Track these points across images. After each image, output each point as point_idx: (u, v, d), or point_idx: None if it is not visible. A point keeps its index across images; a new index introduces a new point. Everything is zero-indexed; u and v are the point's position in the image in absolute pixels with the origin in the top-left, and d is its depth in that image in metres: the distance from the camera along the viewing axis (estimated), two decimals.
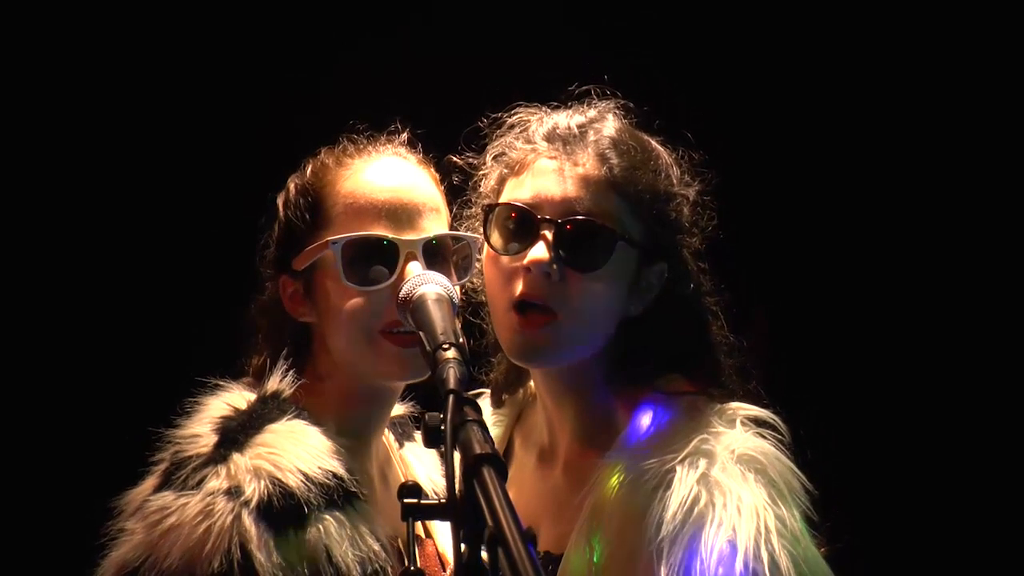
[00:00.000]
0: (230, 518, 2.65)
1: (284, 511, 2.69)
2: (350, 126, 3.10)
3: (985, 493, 4.70)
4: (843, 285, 4.82)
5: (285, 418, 2.83)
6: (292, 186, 3.06)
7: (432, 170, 3.09)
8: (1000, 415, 4.72)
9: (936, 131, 4.73)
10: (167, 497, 2.72)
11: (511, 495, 3.02)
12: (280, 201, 3.06)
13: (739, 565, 2.71)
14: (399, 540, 2.88)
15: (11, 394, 4.56)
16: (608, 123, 3.03)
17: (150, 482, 2.81)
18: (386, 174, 3.00)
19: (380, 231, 2.93)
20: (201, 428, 2.83)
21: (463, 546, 2.06)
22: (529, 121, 3.07)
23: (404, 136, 3.10)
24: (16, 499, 4.52)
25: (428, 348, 2.45)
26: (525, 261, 2.92)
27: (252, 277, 3.10)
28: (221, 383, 2.93)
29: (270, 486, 2.70)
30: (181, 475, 2.74)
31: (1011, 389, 4.71)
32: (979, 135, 4.72)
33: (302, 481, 2.72)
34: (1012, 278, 4.72)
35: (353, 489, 2.78)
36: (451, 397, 2.22)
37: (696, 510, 2.76)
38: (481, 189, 3.11)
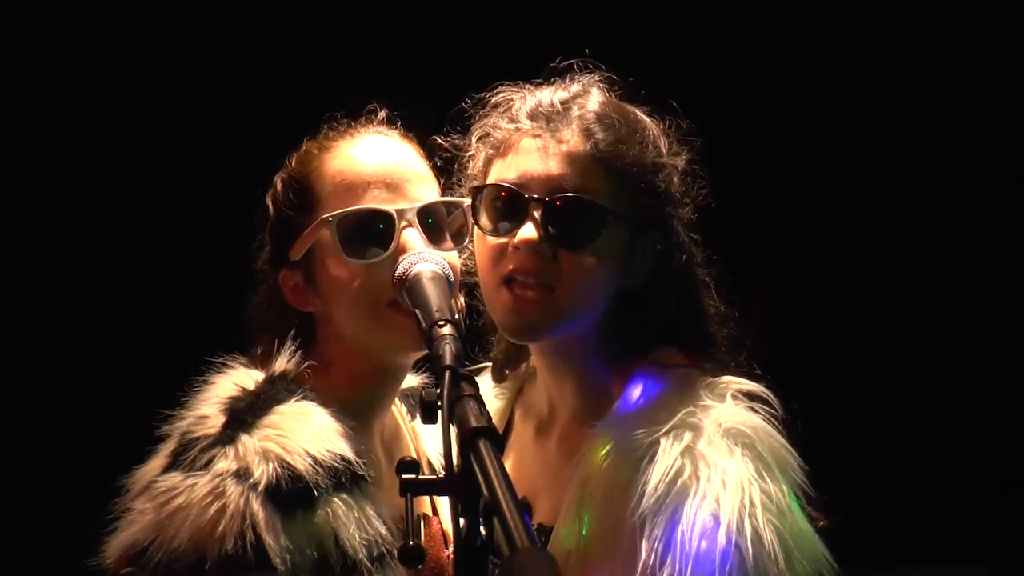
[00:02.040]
0: (241, 500, 2.65)
1: (292, 494, 2.70)
2: (328, 116, 3.11)
3: (983, 467, 4.73)
4: (839, 262, 4.84)
5: (293, 399, 2.82)
6: (279, 180, 3.07)
7: (416, 145, 3.10)
8: (998, 391, 4.75)
9: (935, 108, 4.74)
10: (175, 478, 2.72)
11: (511, 467, 3.14)
12: (269, 198, 3.07)
13: (722, 538, 2.69)
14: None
15: (18, 375, 4.61)
16: (592, 97, 3.02)
17: (157, 462, 2.81)
18: (372, 149, 3.02)
19: (373, 203, 2.95)
20: (209, 408, 2.83)
21: (462, 520, 2.08)
22: (512, 99, 3.06)
23: (383, 115, 3.12)
24: (23, 479, 4.57)
25: (424, 325, 2.47)
26: (515, 241, 2.92)
27: (255, 260, 3.11)
28: (228, 361, 2.94)
29: (278, 469, 2.70)
30: (189, 456, 2.75)
31: (1007, 364, 4.73)
32: (980, 109, 4.74)
33: (311, 464, 2.72)
34: (1004, 256, 4.74)
35: (361, 472, 2.78)
36: (447, 373, 2.24)
37: (679, 482, 2.75)
38: (468, 171, 3.10)
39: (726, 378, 2.97)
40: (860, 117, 4.81)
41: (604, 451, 2.86)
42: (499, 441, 2.08)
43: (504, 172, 2.99)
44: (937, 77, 4.76)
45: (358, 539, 2.72)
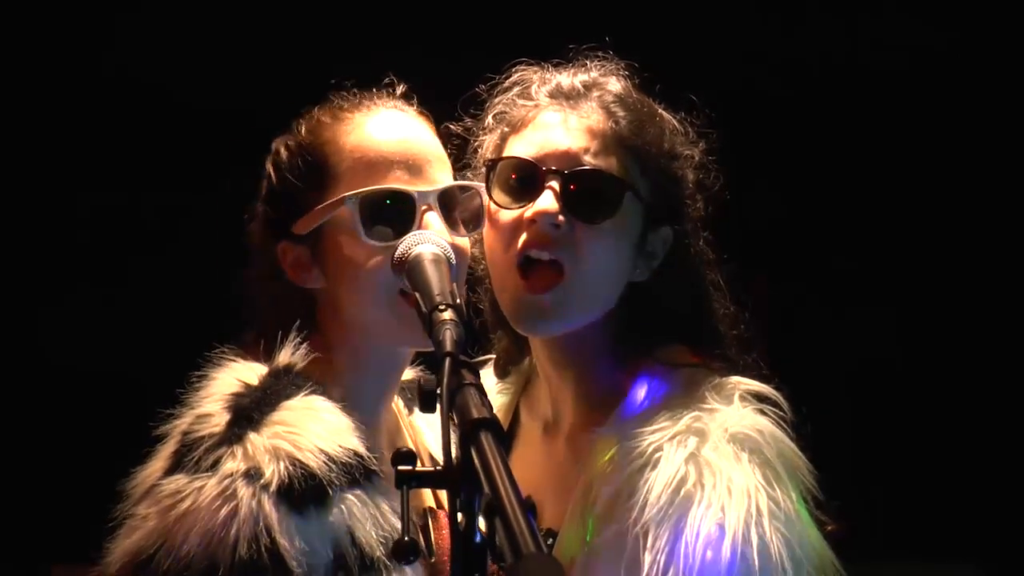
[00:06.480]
0: (253, 502, 2.52)
1: (305, 493, 2.56)
2: (336, 83, 2.96)
3: (975, 465, 4.69)
4: (840, 263, 4.80)
5: (301, 394, 2.68)
6: (283, 148, 2.91)
7: (431, 123, 2.97)
8: (994, 391, 4.71)
9: (941, 103, 4.70)
10: (180, 480, 2.57)
11: (518, 466, 2.99)
12: (270, 165, 2.92)
13: (727, 549, 2.59)
14: (414, 514, 2.78)
15: (12, 377, 4.54)
16: (612, 81, 2.97)
17: (159, 464, 2.66)
18: (391, 126, 2.88)
19: (396, 183, 2.82)
20: (211, 406, 2.68)
21: (460, 515, 1.98)
22: (531, 79, 3.00)
23: (399, 90, 2.98)
24: (21, 482, 4.49)
25: (424, 310, 2.35)
26: (530, 213, 2.83)
27: (248, 231, 2.97)
28: (226, 353, 2.78)
29: (290, 467, 2.56)
30: (193, 456, 2.60)
31: (1004, 364, 4.69)
32: (982, 108, 4.70)
33: (324, 461, 2.59)
34: (1005, 257, 4.70)
35: (373, 467, 2.66)
36: (447, 360, 2.12)
37: (683, 491, 2.65)
38: (482, 151, 3.01)
39: (734, 379, 2.87)
40: (860, 110, 4.77)
41: (608, 456, 2.77)
42: (502, 433, 1.97)
43: (521, 147, 2.92)
44: (937, 77, 4.70)
45: (375, 536, 2.60)
